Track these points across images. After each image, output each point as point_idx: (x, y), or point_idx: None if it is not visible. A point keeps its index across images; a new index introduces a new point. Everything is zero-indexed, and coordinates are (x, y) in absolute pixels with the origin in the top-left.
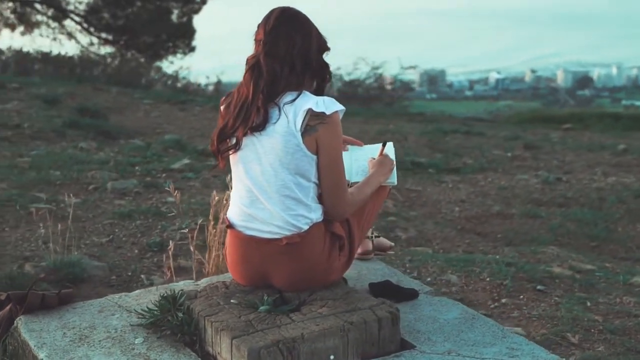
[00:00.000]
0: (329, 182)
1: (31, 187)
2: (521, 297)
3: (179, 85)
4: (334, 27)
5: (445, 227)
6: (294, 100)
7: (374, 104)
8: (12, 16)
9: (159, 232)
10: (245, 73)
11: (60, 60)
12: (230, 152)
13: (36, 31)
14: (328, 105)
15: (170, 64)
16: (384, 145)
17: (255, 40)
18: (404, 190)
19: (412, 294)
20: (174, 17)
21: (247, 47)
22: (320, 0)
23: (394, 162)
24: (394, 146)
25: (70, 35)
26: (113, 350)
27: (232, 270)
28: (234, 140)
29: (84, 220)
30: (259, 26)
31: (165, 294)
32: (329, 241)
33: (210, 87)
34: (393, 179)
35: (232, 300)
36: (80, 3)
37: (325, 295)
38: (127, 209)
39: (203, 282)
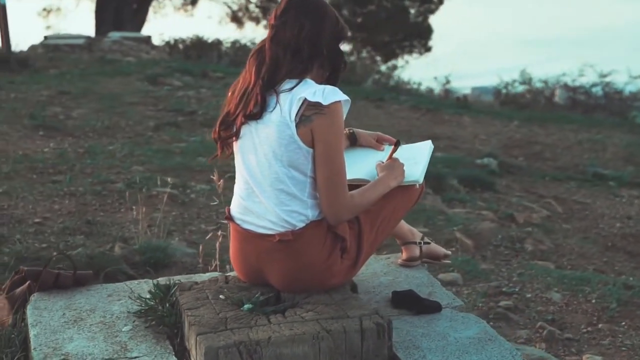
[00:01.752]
0: (323, 179)
1: (168, 172)
2: (623, 323)
3: (391, 83)
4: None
5: (591, 243)
6: (292, 88)
7: (599, 113)
8: (256, 10)
9: None
10: (250, 58)
11: None
12: (233, 141)
13: None
14: (327, 94)
15: (406, 64)
16: (396, 147)
17: (268, 24)
18: (569, 202)
19: (433, 307)
20: (411, 16)
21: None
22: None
23: (426, 161)
24: (433, 143)
25: None
26: (97, 336)
27: (233, 265)
28: (234, 128)
29: (201, 207)
30: (273, 10)
31: (157, 283)
32: (329, 242)
33: (423, 88)
34: (414, 177)
35: (220, 296)
36: None
37: (320, 300)
38: None
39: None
